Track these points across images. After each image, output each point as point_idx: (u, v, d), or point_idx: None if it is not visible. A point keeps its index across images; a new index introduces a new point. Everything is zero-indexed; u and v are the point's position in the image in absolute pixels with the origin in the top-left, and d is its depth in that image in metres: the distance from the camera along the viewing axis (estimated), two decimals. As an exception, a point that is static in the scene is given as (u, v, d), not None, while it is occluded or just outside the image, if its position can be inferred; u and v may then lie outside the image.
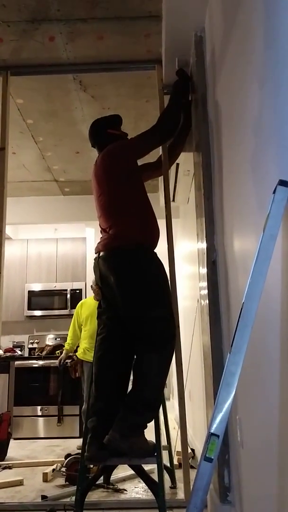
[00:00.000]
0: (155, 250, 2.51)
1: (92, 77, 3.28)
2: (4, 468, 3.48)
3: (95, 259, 2.56)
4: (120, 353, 2.43)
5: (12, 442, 4.14)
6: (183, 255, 4.76)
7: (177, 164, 3.55)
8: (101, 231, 2.60)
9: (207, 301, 2.20)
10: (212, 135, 2.31)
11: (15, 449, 4.17)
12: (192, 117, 2.66)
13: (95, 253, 2.58)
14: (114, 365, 2.43)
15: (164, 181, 2.90)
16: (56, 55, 3.04)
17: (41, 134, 4.10)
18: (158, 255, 2.48)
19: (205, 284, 2.26)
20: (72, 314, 5.84)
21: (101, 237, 2.58)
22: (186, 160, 3.32)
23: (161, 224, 2.75)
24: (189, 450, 2.97)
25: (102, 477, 2.72)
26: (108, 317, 2.49)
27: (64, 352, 4.44)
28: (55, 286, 5.98)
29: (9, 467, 3.51)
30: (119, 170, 2.52)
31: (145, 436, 2.24)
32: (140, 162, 2.54)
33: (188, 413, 2.72)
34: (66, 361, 4.64)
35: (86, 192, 5.30)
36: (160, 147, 2.86)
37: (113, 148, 2.57)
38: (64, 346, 5.61)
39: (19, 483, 3.02)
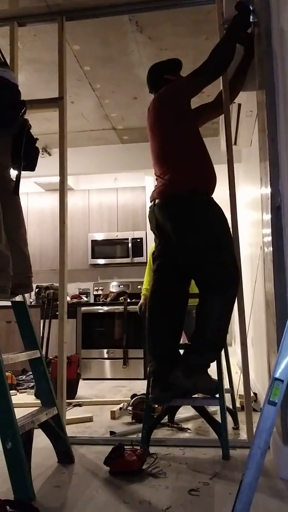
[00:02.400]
0: (213, 195, 2.47)
1: (149, 16, 3.14)
2: (75, 405, 3.72)
3: (150, 207, 2.56)
4: (173, 299, 2.47)
5: (81, 382, 4.39)
6: (246, 201, 4.64)
7: (239, 105, 3.39)
8: (156, 179, 2.58)
9: (271, 248, 2.15)
10: (277, 71, 2.17)
11: (84, 389, 4.43)
12: (255, 52, 2.51)
13: (150, 201, 2.57)
14: (167, 311, 2.47)
15: (226, 123, 2.78)
16: (110, -5, 2.93)
17: (99, 80, 4.04)
18: (220, 201, 2.43)
19: (269, 230, 2.20)
20: (134, 262, 5.97)
21: (156, 185, 2.56)
22: (248, 100, 3.16)
23: (222, 169, 2.68)
24: (252, 394, 3.02)
25: (166, 417, 2.84)
26: (161, 264, 2.52)
27: (142, 298, 4.52)
28: (117, 236, 6.07)
29: (79, 405, 3.75)
30: (170, 114, 2.46)
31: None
32: (197, 103, 2.46)
33: (250, 359, 2.75)
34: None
35: (145, 139, 5.18)
36: (221, 87, 2.73)
37: (163, 91, 2.50)
38: (127, 293, 5.78)
39: (89, 419, 3.22)
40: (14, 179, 2.25)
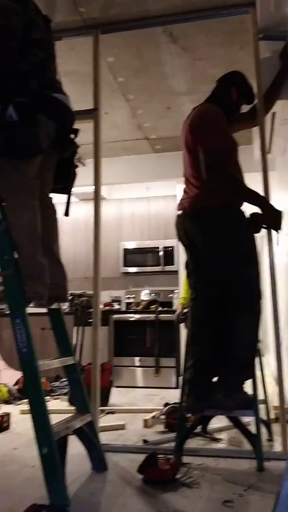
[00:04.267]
0: (246, 204, 2.46)
1: (182, 27, 3.17)
2: (108, 413, 3.74)
3: (178, 216, 2.56)
4: (211, 310, 2.46)
5: (113, 390, 4.41)
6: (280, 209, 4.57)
7: (273, 113, 3.37)
8: (184, 189, 2.59)
9: (307, 257, 2.12)
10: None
11: (117, 396, 4.45)
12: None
13: (178, 210, 2.58)
14: (207, 321, 2.47)
15: (260, 132, 2.78)
16: (144, 8, 2.97)
17: (132, 91, 4.09)
18: (254, 210, 2.42)
19: (304, 239, 2.18)
20: (165, 271, 5.98)
21: (185, 194, 2.56)
22: (283, 109, 3.13)
23: (255, 177, 2.67)
24: (286, 405, 2.97)
25: (200, 426, 2.83)
26: (197, 284, 2.52)
27: (179, 306, 4.52)
28: (148, 244, 6.10)
29: (112, 412, 3.77)
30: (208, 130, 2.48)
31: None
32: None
33: (285, 369, 2.71)
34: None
35: (177, 148, 5.21)
36: (256, 95, 2.73)
37: (206, 113, 2.52)
38: (158, 301, 5.79)
39: (122, 427, 3.24)
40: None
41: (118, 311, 5.90)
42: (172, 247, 5.94)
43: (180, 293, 4.60)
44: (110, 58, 3.54)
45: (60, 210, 2.46)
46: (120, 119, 4.65)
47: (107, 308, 5.89)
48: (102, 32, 3.15)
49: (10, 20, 2.07)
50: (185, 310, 4.16)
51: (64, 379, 4.82)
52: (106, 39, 3.22)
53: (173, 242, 5.93)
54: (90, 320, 3.49)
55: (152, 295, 6.16)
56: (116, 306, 6.14)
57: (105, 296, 6.24)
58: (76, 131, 2.38)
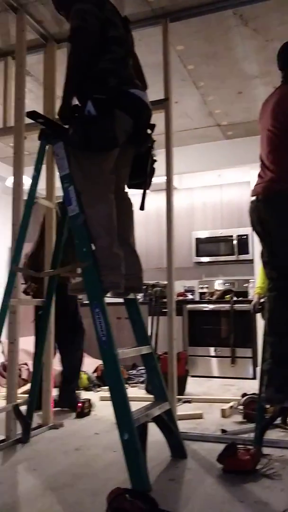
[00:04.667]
0: None
1: (253, 8, 3.06)
2: (184, 402, 3.77)
3: (252, 202, 2.49)
4: None
5: (189, 379, 4.42)
6: None
7: None
8: (259, 173, 2.51)
9: None
10: None
11: (193, 386, 4.46)
12: None
13: (252, 196, 2.51)
14: (285, 312, 2.40)
15: None
16: (214, -9, 2.91)
17: (202, 78, 4.03)
18: None
19: None
20: (240, 260, 5.87)
21: (260, 179, 2.49)
22: None
23: None
24: None
25: (279, 418, 2.76)
26: (270, 270, 2.45)
27: (256, 296, 4.44)
28: (221, 233, 6.01)
29: (189, 401, 3.79)
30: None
31: None
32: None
33: None
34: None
35: (250, 133, 5.10)
36: None
37: None
38: (233, 291, 5.70)
39: (199, 416, 3.24)
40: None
41: (192, 301, 5.90)
42: (246, 235, 5.81)
43: (256, 283, 4.48)
44: (180, 46, 3.51)
45: (134, 202, 2.51)
46: (191, 107, 4.61)
47: (180, 298, 5.90)
48: (171, 20, 3.13)
49: (87, 21, 2.18)
50: (262, 300, 4.05)
51: (140, 368, 4.92)
52: (175, 27, 3.20)
53: (248, 230, 5.80)
54: (164, 310, 3.52)
55: (227, 284, 6.08)
56: (190, 296, 6.14)
57: (178, 286, 6.25)
58: (152, 126, 2.41)
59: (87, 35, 2.19)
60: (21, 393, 3.50)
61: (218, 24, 3.26)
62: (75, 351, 3.62)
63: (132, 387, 4.44)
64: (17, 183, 2.90)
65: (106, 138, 2.15)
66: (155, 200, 6.16)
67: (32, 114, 2.35)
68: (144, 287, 5.84)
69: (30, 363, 4.23)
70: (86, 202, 2.20)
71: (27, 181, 2.73)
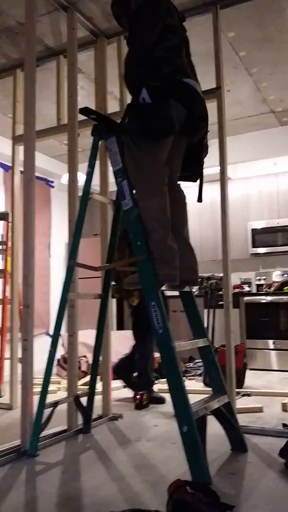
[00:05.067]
0: None
1: (308, -13, 2.95)
2: (244, 395, 3.71)
3: None
4: None
5: (248, 372, 4.35)
6: None
7: None
8: None
9: None
10: None
11: (252, 379, 4.39)
12: None
13: None
14: None
15: None
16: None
17: (255, 64, 3.93)
18: None
19: None
20: (299, 250, 5.69)
21: None
22: None
23: None
24: None
25: None
26: None
27: None
28: (278, 223, 5.84)
29: (248, 395, 3.73)
30: None
31: None
32: None
33: None
34: None
35: (306, 118, 4.93)
36: None
37: None
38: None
39: (259, 410, 3.19)
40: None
41: (249, 293, 5.79)
42: (305, 224, 5.63)
43: None
44: (231, 33, 3.43)
45: (188, 194, 2.49)
46: (244, 95, 4.50)
47: (237, 290, 5.81)
48: (221, 7, 3.06)
49: (158, 12, 2.23)
50: None
51: (197, 360, 4.90)
52: (226, 14, 3.13)
53: (306, 219, 5.62)
54: (220, 303, 3.47)
55: (285, 275, 5.91)
56: (246, 288, 6.03)
57: (234, 278, 6.16)
58: (205, 118, 2.38)
59: (156, 24, 2.23)
60: (81, 385, 3.59)
61: (270, 7, 3.16)
62: (148, 343, 3.65)
63: (189, 380, 4.43)
64: (72, 179, 2.96)
65: (162, 125, 2.14)
66: (209, 191, 6.05)
67: (85, 110, 2.38)
68: (199, 279, 5.84)
69: (89, 355, 4.32)
70: (140, 195, 2.21)
71: (81, 178, 2.77)
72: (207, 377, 3.05)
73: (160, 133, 2.16)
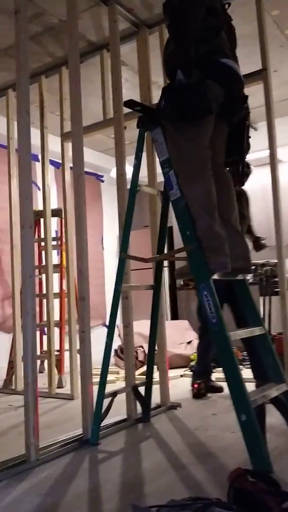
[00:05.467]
0: None
1: None
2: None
3: None
4: None
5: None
6: None
7: None
8: None
9: None
10: None
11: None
12: None
13: None
14: None
15: None
16: None
17: (302, 41, 3.79)
18: None
19: None
20: None
21: None
22: None
23: None
24: None
25: None
26: None
27: None
28: None
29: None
30: None
31: None
32: None
33: None
34: None
35: None
36: None
37: None
38: None
39: None
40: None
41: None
42: None
43: None
44: (275, 11, 3.32)
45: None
46: (291, 74, 4.35)
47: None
48: (264, -16, 2.97)
49: None
50: None
51: (255, 349, 4.82)
52: (269, -9, 3.03)
53: None
54: (276, 290, 3.40)
55: None
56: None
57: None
58: (245, 98, 2.31)
59: (201, 10, 2.18)
60: (139, 375, 3.64)
61: (316, -21, 3.02)
62: (208, 332, 3.65)
63: (247, 368, 4.37)
64: (120, 173, 2.98)
65: (199, 105, 2.10)
66: (260, 175, 5.95)
67: (129, 103, 2.39)
68: (253, 267, 5.73)
69: (146, 345, 4.37)
70: (182, 181, 2.18)
71: (129, 170, 2.79)
72: (255, 370, 2.96)
73: (197, 114, 2.11)
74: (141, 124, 2.48)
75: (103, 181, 6.51)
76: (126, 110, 2.83)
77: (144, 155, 2.65)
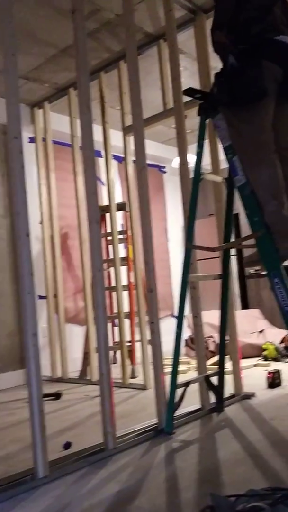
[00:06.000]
0: None
1: None
2: None
3: None
4: None
5: None
6: None
7: None
8: None
9: None
10: None
11: None
12: None
13: None
14: None
15: None
16: None
17: None
18: None
19: None
20: None
21: None
22: None
23: None
24: None
25: None
26: None
27: None
28: None
29: None
30: None
31: None
32: None
33: None
34: None
35: None
36: None
37: None
38: None
39: None
40: None
41: None
42: None
43: None
44: None
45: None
46: None
47: None
48: None
49: None
50: None
51: None
52: None
53: None
54: None
55: None
56: None
57: None
58: None
59: None
60: (210, 365, 3.62)
61: None
62: None
63: None
64: (182, 162, 2.96)
65: (252, 87, 2.03)
66: None
67: (189, 91, 2.36)
68: None
69: (216, 335, 4.34)
70: (247, 166, 2.12)
71: (192, 159, 2.77)
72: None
73: (251, 96, 2.04)
74: (202, 111, 2.45)
75: (165, 172, 6.51)
76: (186, 98, 2.80)
77: (206, 142, 2.61)
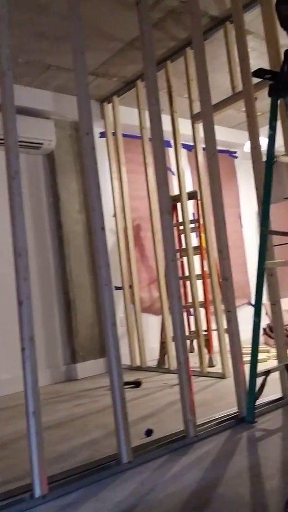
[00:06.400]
0: None
1: None
2: None
3: None
4: None
5: None
6: None
7: None
8: None
9: None
10: None
11: None
12: None
13: None
14: None
15: None
16: None
17: None
18: None
19: None
20: None
21: None
22: None
23: None
24: None
25: None
26: None
27: None
28: None
29: None
30: None
31: None
32: None
33: None
34: None
35: None
36: None
37: None
38: None
39: None
40: None
41: None
42: None
43: None
44: None
45: None
46: None
47: None
48: None
49: None
50: None
51: None
52: None
53: None
54: None
55: None
56: None
57: None
58: None
59: None
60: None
61: None
62: None
63: None
64: (254, 146, 2.88)
65: None
66: None
67: (258, 72, 2.30)
68: None
69: (296, 323, 4.21)
70: None
71: (264, 142, 2.69)
72: None
73: None
74: (273, 91, 2.38)
75: (236, 157, 6.37)
76: (255, 80, 2.72)
77: (278, 124, 2.52)
